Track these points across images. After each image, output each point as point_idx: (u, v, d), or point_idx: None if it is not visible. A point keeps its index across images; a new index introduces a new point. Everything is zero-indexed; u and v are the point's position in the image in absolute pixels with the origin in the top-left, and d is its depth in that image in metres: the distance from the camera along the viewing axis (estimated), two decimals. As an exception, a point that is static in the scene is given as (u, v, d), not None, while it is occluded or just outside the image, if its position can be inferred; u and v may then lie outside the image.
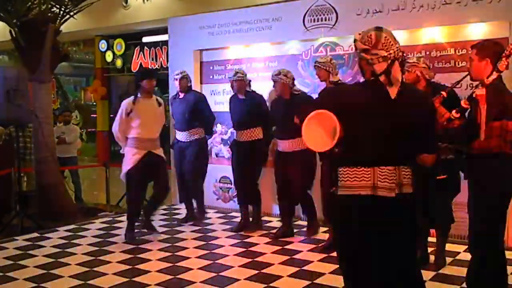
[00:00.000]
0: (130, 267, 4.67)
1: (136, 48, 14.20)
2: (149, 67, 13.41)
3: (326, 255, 4.86)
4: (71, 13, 7.27)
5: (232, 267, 4.62)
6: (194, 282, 4.24)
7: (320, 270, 4.46)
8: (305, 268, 4.56)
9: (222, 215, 6.73)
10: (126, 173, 5.55)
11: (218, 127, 7.09)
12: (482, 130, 3.04)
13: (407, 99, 2.46)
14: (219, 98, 7.14)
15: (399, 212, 2.48)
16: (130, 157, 5.49)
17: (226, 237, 5.61)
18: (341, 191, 2.54)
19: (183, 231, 5.96)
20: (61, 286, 4.23)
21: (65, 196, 7.19)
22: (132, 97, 5.54)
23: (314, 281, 4.21)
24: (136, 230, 5.72)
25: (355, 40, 2.53)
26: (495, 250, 3.23)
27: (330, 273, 4.36)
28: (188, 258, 4.91)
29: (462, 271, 3.96)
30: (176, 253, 5.06)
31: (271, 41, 6.69)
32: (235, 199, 6.53)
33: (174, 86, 6.50)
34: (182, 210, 6.79)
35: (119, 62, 14.83)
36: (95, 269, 4.63)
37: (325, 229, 5.61)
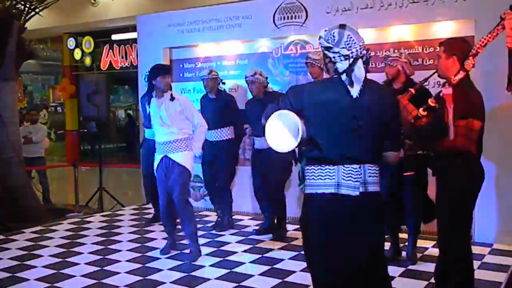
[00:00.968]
0: (99, 268, 4.60)
1: (106, 46, 14.02)
2: (119, 65, 13.26)
3: (297, 253, 4.86)
4: (37, 10, 7.11)
5: (203, 266, 4.59)
6: (164, 283, 4.19)
7: (291, 268, 4.46)
8: (275, 266, 4.56)
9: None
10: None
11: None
12: (450, 130, 3.07)
13: (369, 97, 2.46)
14: (189, 97, 7.06)
15: (364, 210, 2.48)
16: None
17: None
18: (308, 189, 2.54)
19: (152, 231, 5.89)
20: (27, 290, 4.14)
21: (32, 197, 7.04)
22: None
23: (285, 280, 4.21)
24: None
25: (320, 37, 2.51)
26: (462, 246, 3.27)
27: (301, 271, 4.36)
28: (158, 258, 4.85)
29: (431, 267, 4.02)
30: (146, 254, 5.00)
31: (241, 39, 6.67)
32: (206, 198, 6.51)
33: (143, 85, 6.42)
34: (151, 209, 6.71)
35: (88, 60, 14.63)
36: (62, 271, 4.54)
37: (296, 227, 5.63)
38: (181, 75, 7.24)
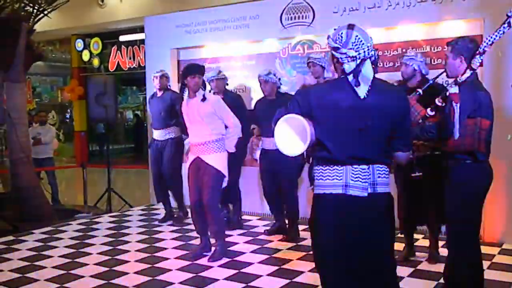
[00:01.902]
0: (108, 269, 4.61)
1: (113, 47, 14.09)
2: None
3: (305, 253, 4.86)
4: (45, 12, 7.16)
5: (211, 267, 4.59)
6: (172, 283, 4.20)
7: (299, 269, 4.46)
8: (284, 267, 4.55)
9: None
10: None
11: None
12: (456, 129, 3.06)
13: (377, 97, 2.44)
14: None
15: (373, 211, 2.46)
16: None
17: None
18: (316, 189, 2.54)
19: (161, 231, 5.91)
20: (36, 290, 4.16)
21: (41, 198, 7.08)
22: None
23: (293, 280, 4.20)
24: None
25: (328, 37, 2.50)
26: (471, 246, 3.26)
27: (309, 271, 4.35)
28: (167, 259, 4.87)
29: (440, 267, 4.00)
30: (154, 254, 5.02)
31: (249, 39, 6.67)
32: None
33: (151, 85, 6.45)
34: (161, 210, 6.74)
35: (96, 61, 14.70)
36: (71, 271, 4.56)
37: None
38: (188, 75, 7.24)
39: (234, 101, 5.77)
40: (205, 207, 4.72)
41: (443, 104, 3.30)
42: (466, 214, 3.19)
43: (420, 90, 3.48)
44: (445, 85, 4.57)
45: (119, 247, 5.31)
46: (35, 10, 7.04)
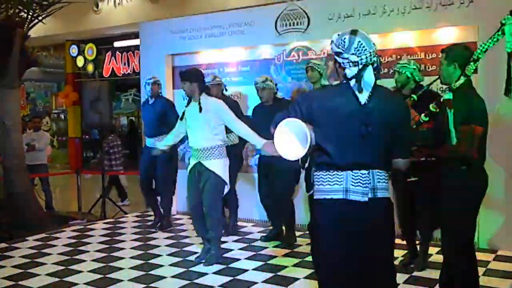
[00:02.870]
0: (102, 276, 4.58)
1: (108, 53, 14.05)
2: (122, 71, 13.30)
3: (301, 260, 4.85)
4: (39, 18, 7.14)
5: (206, 274, 4.57)
6: (167, 291, 4.18)
7: (295, 275, 4.44)
8: (279, 273, 4.54)
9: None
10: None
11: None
12: (452, 135, 3.07)
13: (378, 103, 2.45)
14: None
15: (373, 216, 2.46)
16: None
17: (200, 243, 5.55)
18: (317, 195, 2.54)
19: (156, 238, 5.88)
20: (30, 298, 4.13)
21: (35, 205, 7.03)
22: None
23: (288, 287, 4.18)
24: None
25: (331, 42, 2.51)
26: (466, 252, 3.26)
27: (305, 278, 4.34)
28: (161, 266, 4.84)
29: (435, 273, 4.00)
30: (149, 261, 4.99)
31: (244, 46, 6.68)
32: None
33: (144, 92, 6.43)
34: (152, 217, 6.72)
35: (90, 67, 14.65)
36: (65, 279, 4.53)
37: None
38: (183, 82, 7.23)
39: (231, 107, 5.76)
40: (205, 211, 4.73)
41: (437, 110, 3.31)
42: (461, 220, 3.19)
43: (414, 96, 3.49)
44: (440, 91, 4.60)
45: (113, 254, 5.28)
46: (29, 16, 7.01)
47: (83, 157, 16.02)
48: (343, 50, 2.45)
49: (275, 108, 5.20)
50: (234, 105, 5.80)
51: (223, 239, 5.66)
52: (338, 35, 2.50)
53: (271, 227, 5.80)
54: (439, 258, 3.80)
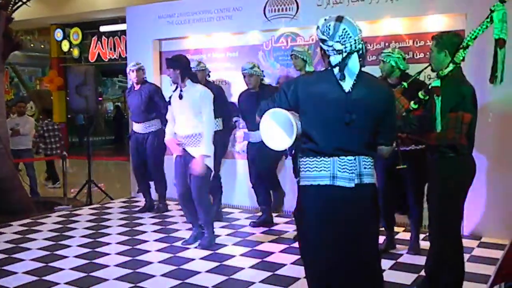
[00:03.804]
0: (88, 261, 4.56)
1: (94, 38, 13.89)
2: (107, 56, 13.15)
3: (288, 246, 4.87)
4: (24, 0, 7.01)
5: (194, 259, 4.57)
6: (154, 276, 4.17)
7: (282, 261, 4.46)
8: (266, 259, 4.55)
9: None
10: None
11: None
12: (437, 122, 3.08)
13: (362, 91, 2.44)
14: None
15: (359, 202, 2.47)
16: None
17: (187, 229, 5.54)
18: (303, 181, 2.53)
19: (142, 224, 5.86)
20: (14, 283, 4.08)
21: (19, 190, 6.96)
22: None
23: (275, 272, 4.20)
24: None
25: (317, 28, 2.48)
26: (453, 238, 3.29)
27: (292, 263, 4.36)
28: (148, 251, 4.83)
29: (420, 259, 4.04)
30: (135, 247, 4.97)
31: (232, 31, 6.62)
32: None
33: (129, 78, 6.38)
34: (142, 202, 6.69)
35: (76, 52, 14.49)
36: (50, 264, 4.50)
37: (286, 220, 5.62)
38: (170, 67, 7.17)
39: (215, 92, 5.73)
40: (193, 195, 4.76)
41: (426, 98, 3.32)
42: (448, 206, 3.22)
43: (405, 84, 3.49)
44: (427, 80, 4.61)
45: (99, 239, 5.25)
46: (13, -2, 6.89)
47: (69, 142, 15.90)
48: (327, 38, 2.43)
49: (261, 95, 5.21)
50: (218, 91, 5.77)
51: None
52: (325, 19, 2.48)
53: (259, 213, 5.81)
54: (426, 244, 3.84)
